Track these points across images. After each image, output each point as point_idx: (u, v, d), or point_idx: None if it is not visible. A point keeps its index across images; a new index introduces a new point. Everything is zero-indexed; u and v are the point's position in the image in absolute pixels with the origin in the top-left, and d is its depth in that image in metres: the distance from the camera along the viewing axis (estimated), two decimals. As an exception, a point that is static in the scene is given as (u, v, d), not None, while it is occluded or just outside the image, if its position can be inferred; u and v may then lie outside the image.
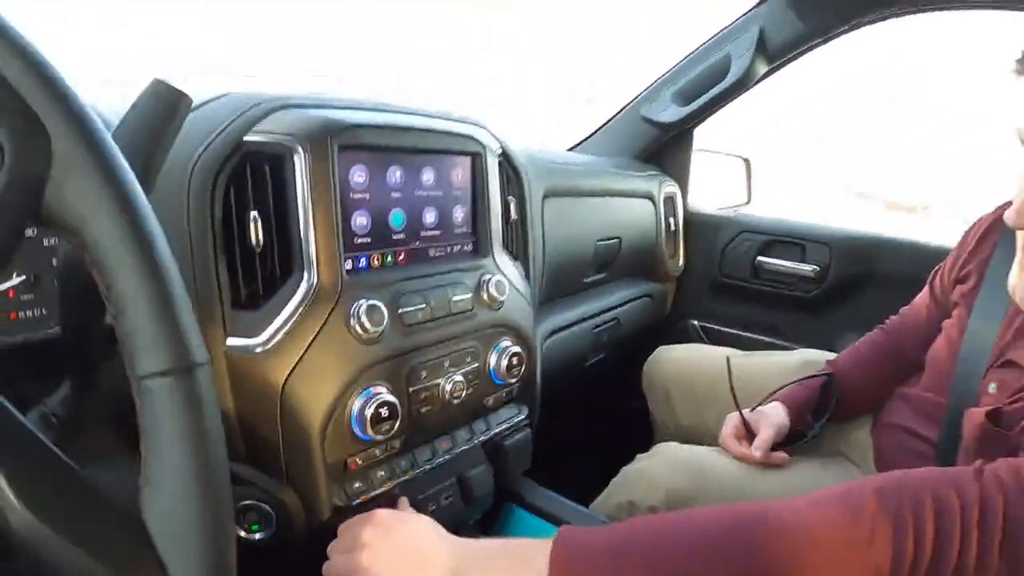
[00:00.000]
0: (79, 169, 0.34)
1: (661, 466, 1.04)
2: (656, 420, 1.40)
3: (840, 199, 7.37)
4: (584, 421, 1.66)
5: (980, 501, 0.55)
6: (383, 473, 0.80)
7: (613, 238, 1.46)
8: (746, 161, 2.07)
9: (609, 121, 1.81)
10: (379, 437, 0.75)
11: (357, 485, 0.77)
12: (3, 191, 0.33)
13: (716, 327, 1.82)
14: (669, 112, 1.70)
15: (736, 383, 1.13)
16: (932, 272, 1.16)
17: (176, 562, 0.34)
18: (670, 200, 1.74)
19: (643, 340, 1.59)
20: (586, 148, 1.80)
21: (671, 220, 1.74)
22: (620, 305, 1.56)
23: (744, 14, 1.59)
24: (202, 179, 0.67)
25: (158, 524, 0.35)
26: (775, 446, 1.07)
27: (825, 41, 1.57)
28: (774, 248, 1.75)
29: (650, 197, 1.64)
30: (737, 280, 1.79)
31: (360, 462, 0.77)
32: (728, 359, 1.16)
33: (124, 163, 0.35)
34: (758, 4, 1.56)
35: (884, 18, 1.50)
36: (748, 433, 1.10)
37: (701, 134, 1.82)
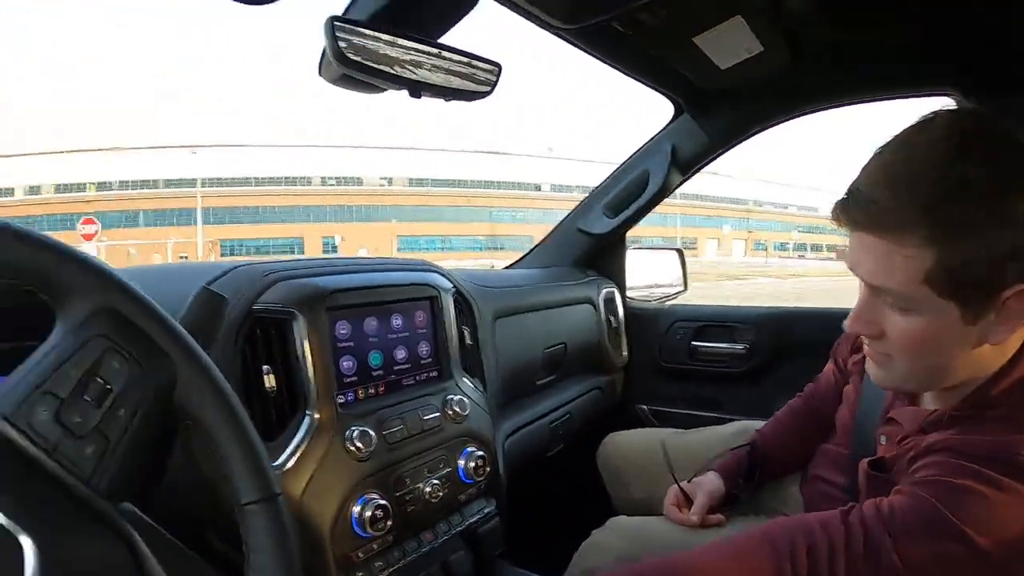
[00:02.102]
0: (194, 379, 0.56)
1: (611, 537, 1.15)
2: (612, 497, 1.54)
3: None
4: (552, 503, 1.83)
5: (845, 533, 0.72)
6: (380, 563, 0.98)
7: (559, 344, 1.67)
8: (679, 252, 2.31)
9: (548, 237, 2.05)
10: (375, 534, 0.94)
11: (360, 575, 0.95)
12: (149, 393, 0.54)
13: (662, 408, 2.02)
14: (601, 223, 1.95)
15: (677, 457, 1.28)
16: (834, 344, 1.30)
17: None
18: (610, 300, 1.97)
19: (598, 427, 1.75)
20: (528, 263, 2.04)
21: (611, 318, 1.96)
22: (572, 400, 1.75)
23: (657, 134, 1.85)
24: (225, 344, 0.89)
25: None
26: (714, 509, 1.18)
27: (727, 149, 1.83)
28: (706, 332, 1.99)
29: (590, 301, 1.87)
30: (677, 364, 2.01)
31: (362, 555, 0.95)
32: (663, 442, 1.33)
33: (217, 371, 0.57)
34: (668, 124, 1.82)
35: (772, 125, 1.76)
36: (688, 501, 1.19)
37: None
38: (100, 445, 0.51)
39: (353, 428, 0.94)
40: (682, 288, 2.26)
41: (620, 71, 1.51)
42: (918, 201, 0.70)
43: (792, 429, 1.30)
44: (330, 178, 59.76)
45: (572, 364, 1.78)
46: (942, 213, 0.69)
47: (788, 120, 1.76)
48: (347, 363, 0.98)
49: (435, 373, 1.14)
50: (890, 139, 0.76)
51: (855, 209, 0.75)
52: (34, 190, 54.35)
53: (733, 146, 1.83)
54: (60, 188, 54.52)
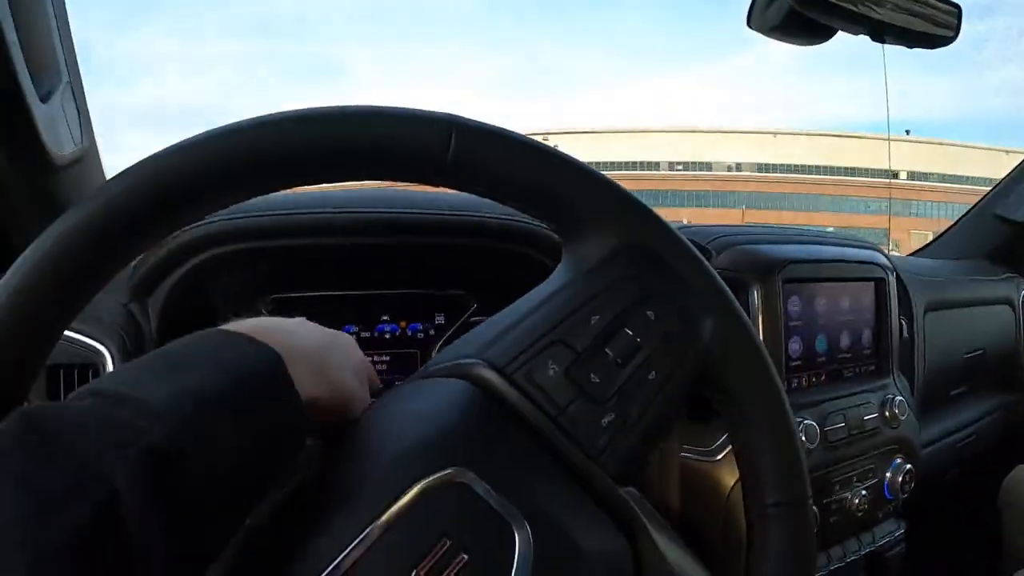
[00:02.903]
0: (737, 345, 0.44)
1: None
2: (1007, 542, 1.35)
3: None
4: (937, 536, 1.59)
5: None
6: None
7: (978, 350, 1.41)
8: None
9: (958, 223, 1.74)
10: None
11: None
12: (684, 355, 0.42)
13: None
14: None
15: None
16: None
17: None
18: (1027, 303, 1.63)
19: (1000, 454, 1.49)
20: (932, 253, 1.75)
21: (1028, 325, 1.63)
22: (980, 419, 1.48)
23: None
24: None
25: None
26: None
27: None
28: None
29: (1009, 302, 1.55)
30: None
31: None
32: None
33: (760, 339, 0.45)
34: None
35: None
36: None
37: None
38: (620, 414, 0.39)
39: (798, 420, 0.82)
40: None
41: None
42: None
43: None
44: (678, 163, 59.91)
45: (985, 375, 1.50)
46: None
47: None
48: (795, 345, 0.86)
49: (873, 367, 0.98)
50: None
51: None
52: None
53: None
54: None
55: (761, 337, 0.80)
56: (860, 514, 0.91)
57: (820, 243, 0.95)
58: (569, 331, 0.40)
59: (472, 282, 0.90)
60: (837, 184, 57.94)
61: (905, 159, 57.98)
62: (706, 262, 0.44)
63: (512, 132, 0.39)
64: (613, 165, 59.21)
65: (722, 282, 0.44)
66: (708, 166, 59.69)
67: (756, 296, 0.81)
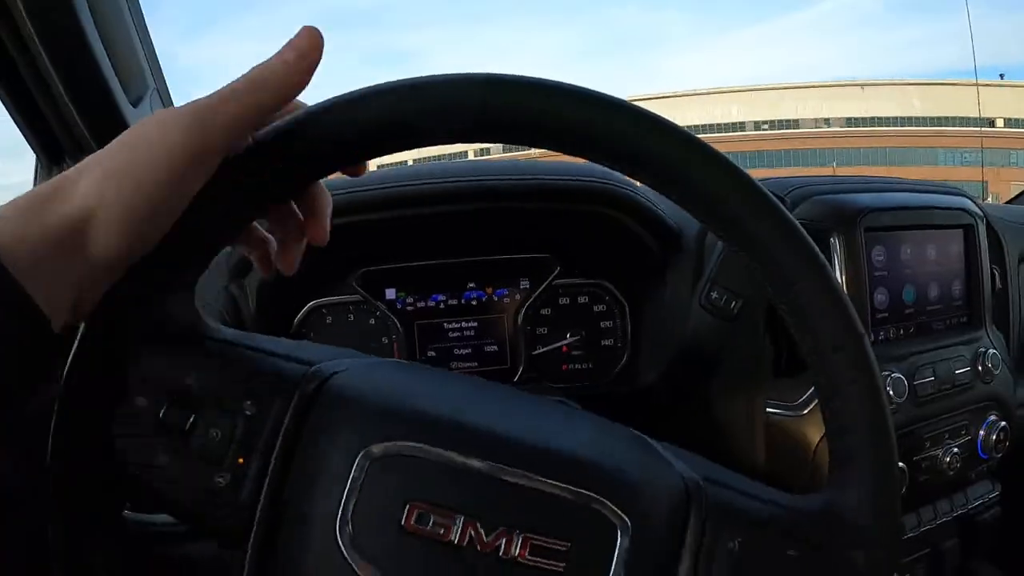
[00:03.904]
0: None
1: None
2: None
3: None
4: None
5: None
6: None
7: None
8: None
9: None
10: None
11: None
12: None
13: None
14: None
15: None
16: None
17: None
18: None
19: None
20: (1025, 200, 1.65)
21: None
22: None
23: None
24: None
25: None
26: None
27: None
28: None
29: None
30: None
31: None
32: None
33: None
34: None
35: None
36: None
37: None
38: None
39: (886, 373, 0.79)
40: None
41: None
42: None
43: None
44: (763, 122, 57.86)
45: None
46: None
47: None
48: (880, 296, 0.83)
49: (965, 319, 0.94)
50: None
51: None
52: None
53: None
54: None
55: (845, 288, 0.78)
56: (952, 473, 0.87)
57: (902, 190, 0.90)
58: (761, 537, 0.39)
59: (555, 245, 0.91)
60: (930, 135, 54.69)
61: (1001, 105, 54.16)
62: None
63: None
64: (697, 129, 57.45)
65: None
66: (795, 123, 57.16)
67: (838, 246, 0.78)
